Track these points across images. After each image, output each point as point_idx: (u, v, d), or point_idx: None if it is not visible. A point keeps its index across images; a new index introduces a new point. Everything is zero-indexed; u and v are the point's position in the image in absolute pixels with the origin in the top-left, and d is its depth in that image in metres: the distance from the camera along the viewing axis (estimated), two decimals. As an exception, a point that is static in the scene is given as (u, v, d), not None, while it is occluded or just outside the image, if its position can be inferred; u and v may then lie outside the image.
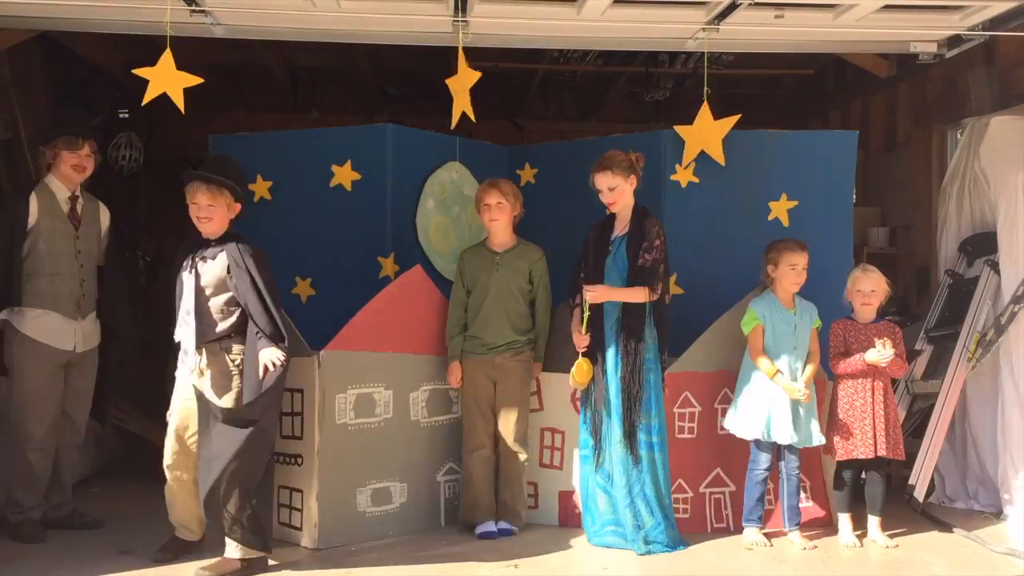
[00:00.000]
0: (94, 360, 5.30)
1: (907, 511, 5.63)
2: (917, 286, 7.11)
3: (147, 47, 5.37)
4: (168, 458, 4.61)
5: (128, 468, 6.51)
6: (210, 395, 4.51)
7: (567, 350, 5.24)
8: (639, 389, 4.96)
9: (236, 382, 4.57)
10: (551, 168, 6.22)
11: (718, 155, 5.58)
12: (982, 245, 5.94)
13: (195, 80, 4.65)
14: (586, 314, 5.00)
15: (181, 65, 4.68)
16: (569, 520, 5.37)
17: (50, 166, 5.15)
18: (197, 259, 4.65)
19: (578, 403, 5.26)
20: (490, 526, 5.25)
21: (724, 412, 5.34)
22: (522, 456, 5.32)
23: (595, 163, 5.09)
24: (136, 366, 7.99)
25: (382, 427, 5.16)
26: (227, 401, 4.54)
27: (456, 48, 5.12)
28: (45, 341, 5.04)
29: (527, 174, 6.29)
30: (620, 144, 5.32)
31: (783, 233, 5.55)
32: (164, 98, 4.71)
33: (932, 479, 5.72)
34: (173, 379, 4.72)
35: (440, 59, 5.23)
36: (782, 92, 9.27)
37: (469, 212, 5.94)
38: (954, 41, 5.57)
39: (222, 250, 4.61)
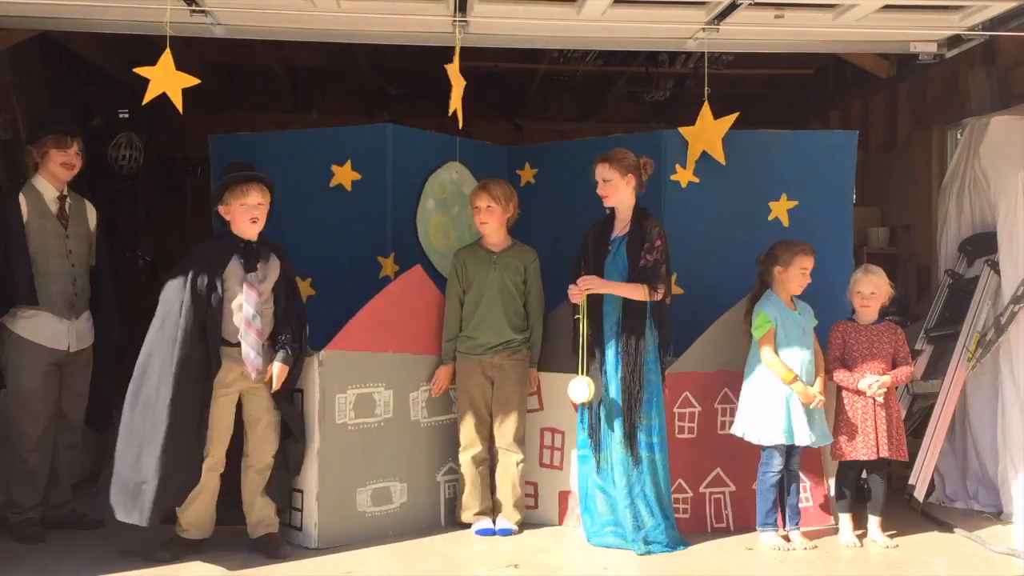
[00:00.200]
0: (89, 359, 5.29)
1: (907, 511, 5.63)
2: (917, 286, 7.12)
3: (147, 47, 5.37)
4: (213, 458, 4.71)
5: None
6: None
7: (565, 351, 5.24)
8: (640, 390, 4.96)
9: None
10: (551, 168, 6.22)
11: (718, 155, 5.58)
12: (982, 245, 5.94)
13: (193, 81, 4.66)
14: (578, 317, 4.99)
15: (181, 65, 4.68)
16: (569, 520, 5.37)
17: (37, 165, 5.13)
18: (247, 263, 4.73)
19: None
20: (488, 525, 5.26)
21: (724, 412, 5.34)
22: (519, 456, 5.33)
23: (598, 154, 5.10)
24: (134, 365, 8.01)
25: (382, 427, 5.17)
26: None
27: (457, 48, 5.12)
28: (38, 341, 5.03)
29: (527, 174, 6.29)
30: (620, 144, 5.31)
31: (783, 233, 5.55)
32: (164, 98, 4.71)
33: (932, 479, 5.72)
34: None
35: (440, 59, 5.22)
36: (782, 92, 9.27)
37: (469, 212, 5.92)
38: (954, 41, 5.57)
39: (271, 253, 4.80)
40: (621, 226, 5.12)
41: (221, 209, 4.79)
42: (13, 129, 6.19)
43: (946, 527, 5.41)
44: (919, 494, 5.64)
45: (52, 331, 5.07)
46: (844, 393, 5.11)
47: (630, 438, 4.96)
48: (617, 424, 4.98)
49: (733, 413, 5.32)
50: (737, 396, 5.30)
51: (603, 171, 5.06)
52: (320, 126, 7.38)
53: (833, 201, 5.81)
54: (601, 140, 6.09)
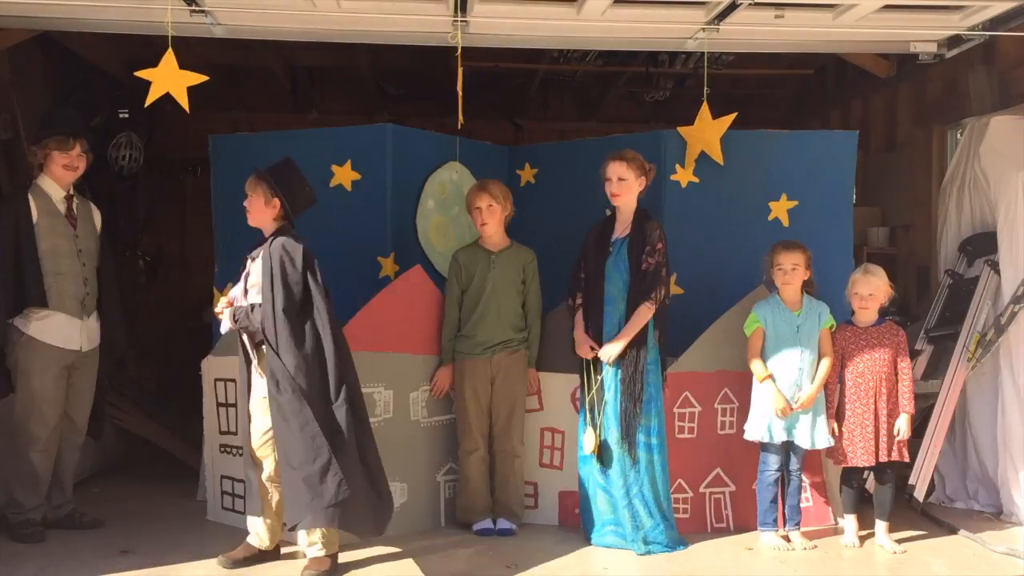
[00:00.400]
0: (95, 360, 5.30)
1: (907, 511, 5.64)
2: (917, 286, 7.11)
3: (147, 47, 5.38)
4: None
5: (128, 468, 6.52)
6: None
7: (564, 351, 5.25)
8: (640, 391, 4.96)
9: None
10: (551, 168, 6.22)
11: (717, 155, 5.58)
12: (982, 245, 5.94)
13: (200, 78, 4.65)
14: (598, 377, 5.02)
15: (182, 65, 4.68)
16: (569, 520, 5.37)
17: (41, 166, 5.13)
18: (248, 257, 4.68)
19: (578, 403, 5.26)
20: (488, 525, 5.26)
21: (724, 412, 5.35)
22: (519, 455, 5.33)
23: (610, 154, 5.09)
24: (136, 367, 8.02)
25: (382, 427, 5.16)
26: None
27: (457, 48, 5.12)
28: (51, 342, 5.04)
29: (527, 174, 6.29)
30: (620, 144, 5.33)
31: (783, 233, 5.55)
32: (164, 98, 4.71)
33: (932, 479, 5.72)
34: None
35: (440, 59, 5.23)
36: (782, 92, 9.26)
37: (469, 212, 5.94)
38: (954, 41, 5.57)
39: (267, 247, 4.62)
40: (622, 227, 5.12)
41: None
42: (13, 129, 6.19)
43: (946, 527, 5.41)
44: (919, 494, 5.65)
45: (65, 332, 5.08)
46: (845, 398, 5.10)
47: (628, 439, 4.96)
48: (615, 424, 4.98)
49: (733, 413, 5.33)
50: (737, 396, 5.31)
51: (619, 169, 5.05)
52: (320, 126, 7.38)
53: (833, 201, 5.81)
54: (601, 140, 6.09)
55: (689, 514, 5.30)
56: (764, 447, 5.09)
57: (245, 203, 4.66)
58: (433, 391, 5.35)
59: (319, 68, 8.73)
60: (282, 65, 8.34)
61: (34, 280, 4.98)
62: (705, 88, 5.59)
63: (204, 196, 6.74)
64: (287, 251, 4.48)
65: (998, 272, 5.64)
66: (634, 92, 8.90)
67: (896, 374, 5.08)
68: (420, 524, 5.31)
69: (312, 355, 4.40)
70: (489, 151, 6.38)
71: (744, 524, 5.31)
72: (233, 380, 5.19)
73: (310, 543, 4.52)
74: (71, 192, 5.21)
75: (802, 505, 5.24)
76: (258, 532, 4.68)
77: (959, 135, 6.63)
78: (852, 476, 5.16)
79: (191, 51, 6.90)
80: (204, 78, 4.63)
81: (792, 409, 4.97)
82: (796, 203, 5.75)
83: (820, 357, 5.07)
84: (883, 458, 5.02)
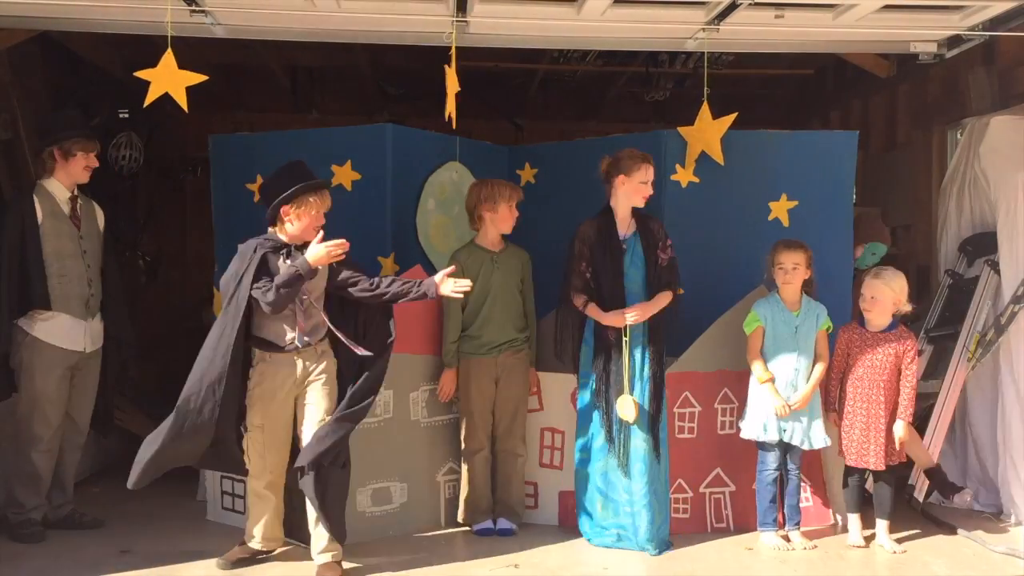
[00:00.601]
0: (99, 360, 5.31)
1: (907, 511, 5.63)
2: (917, 286, 7.11)
3: (147, 47, 5.37)
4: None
5: (128, 468, 6.50)
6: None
7: (560, 352, 5.25)
8: (663, 388, 5.02)
9: None
10: (551, 168, 6.21)
11: (717, 154, 5.58)
12: (982, 245, 5.94)
13: (198, 78, 4.65)
14: (626, 339, 4.97)
15: (182, 65, 4.67)
16: (569, 520, 5.37)
17: (52, 167, 5.12)
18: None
19: (577, 403, 5.25)
20: (489, 525, 5.26)
21: (724, 412, 5.35)
22: (521, 455, 5.33)
23: (644, 156, 5.07)
24: (136, 367, 8.01)
25: (382, 427, 5.16)
26: None
27: (456, 47, 5.12)
28: (56, 343, 5.04)
29: (527, 174, 6.29)
30: (620, 144, 5.32)
31: (783, 233, 5.55)
32: (164, 98, 4.70)
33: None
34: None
35: (440, 59, 5.22)
36: (782, 92, 9.27)
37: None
38: (954, 41, 5.57)
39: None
40: (625, 224, 5.11)
41: (286, 209, 4.54)
42: (13, 129, 6.19)
43: (946, 527, 5.41)
44: (919, 494, 5.65)
45: (69, 333, 5.08)
46: (846, 398, 5.10)
47: (655, 437, 4.97)
48: (643, 426, 4.97)
49: (733, 413, 5.34)
50: (737, 396, 5.31)
51: (651, 172, 5.10)
52: (320, 126, 7.37)
53: (833, 201, 5.80)
54: (601, 140, 6.08)
55: (689, 514, 5.30)
56: (761, 446, 5.10)
57: (320, 219, 4.58)
58: (440, 395, 5.35)
59: (319, 68, 8.73)
60: (282, 65, 8.34)
61: (39, 282, 4.98)
62: (705, 88, 5.59)
63: (204, 196, 6.73)
64: None
65: (998, 272, 5.65)
66: (634, 92, 8.90)
67: (899, 379, 5.06)
68: (420, 524, 5.31)
69: None
70: (489, 151, 6.38)
71: (744, 524, 5.31)
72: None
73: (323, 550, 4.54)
74: (75, 193, 5.21)
75: (802, 505, 5.24)
76: (256, 534, 4.69)
77: (959, 135, 6.63)
78: (853, 475, 5.16)
79: (191, 51, 6.88)
80: (203, 78, 4.62)
81: (790, 410, 4.97)
82: (796, 203, 5.75)
83: (816, 358, 5.07)
84: (877, 465, 5.01)
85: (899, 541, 5.13)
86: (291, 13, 5.25)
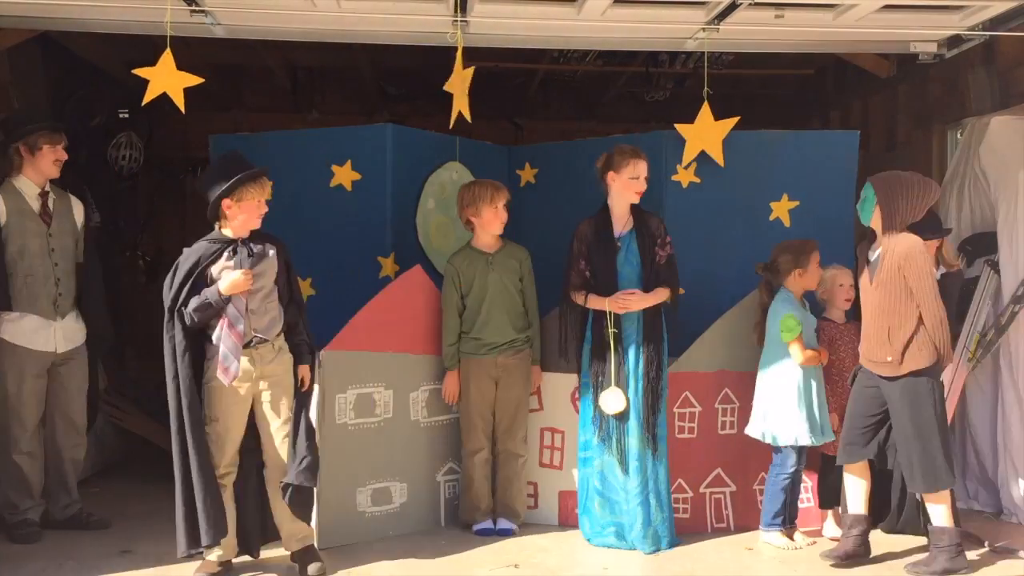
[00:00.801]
0: (83, 359, 5.26)
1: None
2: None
3: (147, 47, 5.37)
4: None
5: (128, 468, 6.52)
6: None
7: (565, 351, 5.25)
8: (661, 388, 5.01)
9: None
10: (551, 168, 6.22)
11: (718, 155, 5.58)
12: (982, 245, 5.93)
13: (195, 80, 4.65)
14: (614, 331, 4.98)
15: (181, 65, 4.67)
16: (569, 520, 5.37)
17: (20, 165, 5.06)
18: (246, 251, 4.55)
19: (578, 403, 5.26)
20: (489, 525, 5.26)
21: (724, 412, 5.34)
22: (522, 455, 5.33)
23: (633, 151, 5.07)
24: (136, 366, 8.01)
25: (382, 427, 5.16)
26: None
27: (456, 47, 5.12)
28: (24, 344, 5.00)
29: (527, 174, 6.29)
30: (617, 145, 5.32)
31: (784, 233, 5.56)
32: (164, 98, 4.71)
33: (932, 479, 5.71)
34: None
35: (440, 59, 5.23)
36: (782, 92, 9.26)
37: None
38: (954, 41, 5.57)
39: (277, 245, 4.68)
40: (622, 222, 5.11)
41: (227, 203, 4.45)
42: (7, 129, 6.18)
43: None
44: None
45: (37, 333, 5.03)
46: (828, 391, 5.11)
47: (653, 436, 4.96)
48: (638, 422, 4.97)
49: (733, 413, 5.33)
50: (737, 396, 5.30)
51: (645, 168, 5.09)
52: (320, 126, 7.37)
53: (834, 201, 5.80)
54: (601, 140, 6.09)
55: (689, 514, 5.30)
56: (782, 448, 5.02)
57: (263, 208, 4.52)
58: (445, 398, 5.34)
59: (319, 68, 8.73)
60: (282, 65, 8.33)
61: (1, 282, 4.93)
62: (705, 88, 5.59)
63: (204, 196, 6.73)
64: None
65: (998, 272, 5.64)
66: (634, 92, 8.89)
67: None
68: (420, 524, 5.31)
69: None
70: (489, 151, 6.38)
71: (744, 524, 5.31)
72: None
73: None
74: (47, 189, 5.15)
75: (803, 505, 5.24)
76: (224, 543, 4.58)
77: (959, 135, 6.63)
78: (829, 474, 5.17)
79: (191, 51, 6.90)
80: (199, 80, 4.62)
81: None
82: (797, 203, 5.76)
83: None
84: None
85: (899, 541, 5.13)
86: (291, 13, 5.25)
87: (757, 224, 5.70)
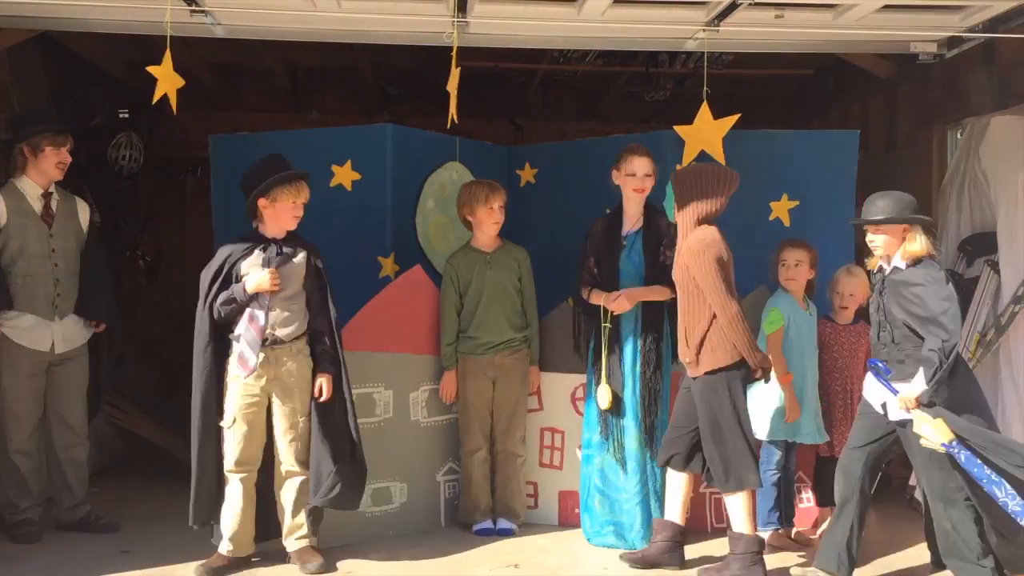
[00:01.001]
0: (83, 360, 5.26)
1: (907, 511, 5.63)
2: (917, 286, 7.10)
3: (147, 47, 5.37)
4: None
5: (128, 468, 6.52)
6: None
7: (565, 351, 5.25)
8: (659, 387, 5.00)
9: None
10: (551, 168, 6.21)
11: (718, 155, 5.57)
12: (982, 245, 5.93)
13: (181, 82, 4.66)
14: (606, 325, 4.99)
15: (182, 65, 4.67)
16: (569, 520, 5.37)
17: (23, 165, 5.07)
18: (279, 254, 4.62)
19: (579, 403, 5.26)
20: (488, 525, 5.26)
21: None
22: (521, 455, 5.33)
23: (633, 148, 5.10)
24: (136, 367, 8.01)
25: (382, 427, 5.17)
26: None
27: (456, 47, 5.11)
28: (21, 343, 5.00)
29: (527, 174, 6.29)
30: (620, 144, 5.32)
31: (785, 233, 5.55)
32: (164, 98, 4.71)
33: (932, 479, 5.71)
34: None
35: (440, 59, 5.23)
36: (782, 92, 9.26)
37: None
38: (954, 41, 5.57)
39: (310, 251, 4.71)
40: (632, 221, 5.12)
41: (262, 202, 4.55)
42: (13, 129, 6.18)
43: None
44: (919, 494, 5.63)
45: (35, 333, 5.03)
46: (819, 391, 5.11)
47: (650, 435, 4.96)
48: (635, 422, 4.97)
49: (733, 413, 5.33)
50: (737, 396, 5.30)
51: (647, 165, 5.08)
52: (320, 126, 7.37)
53: (834, 201, 5.80)
54: (601, 140, 6.09)
55: (689, 514, 5.28)
56: (767, 445, 5.06)
57: (299, 210, 4.59)
58: (443, 397, 5.35)
59: (319, 68, 8.73)
60: (282, 65, 8.33)
61: (0, 281, 4.93)
62: (705, 88, 5.58)
63: (204, 196, 6.74)
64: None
65: (998, 272, 5.64)
66: (634, 92, 8.89)
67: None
68: (420, 524, 5.31)
69: None
70: (489, 151, 6.38)
71: (744, 524, 5.30)
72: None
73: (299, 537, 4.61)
74: (51, 190, 5.15)
75: (802, 506, 5.24)
76: (226, 534, 4.63)
77: (959, 135, 6.62)
78: (824, 472, 5.17)
79: (191, 51, 6.90)
80: (183, 82, 4.63)
81: (799, 414, 4.96)
82: (797, 203, 5.75)
83: None
84: None
85: (900, 541, 5.13)
86: (291, 13, 5.25)
87: (757, 224, 5.70)
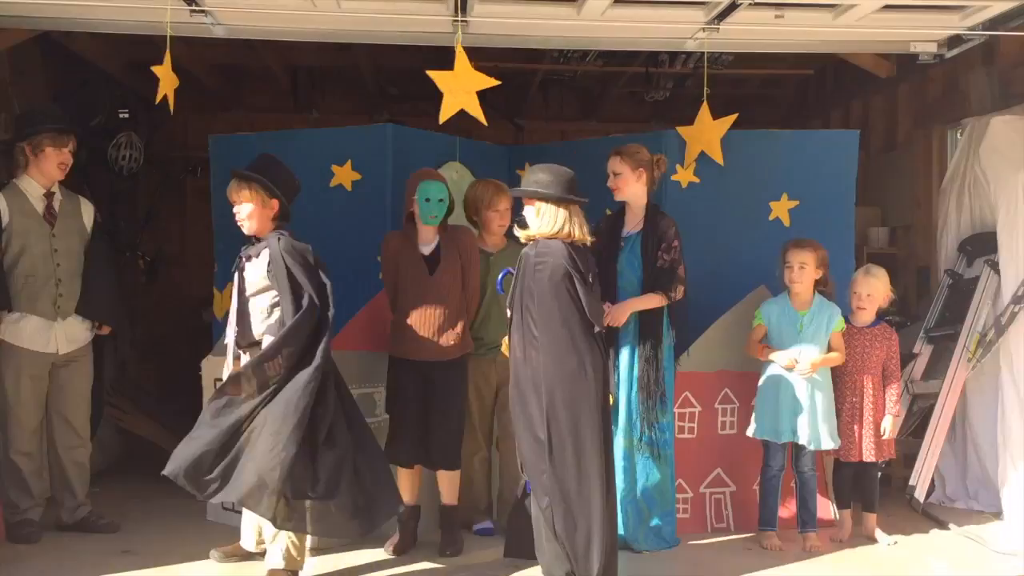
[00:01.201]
0: (86, 361, 5.24)
1: (907, 511, 5.64)
2: (917, 286, 7.11)
3: (147, 47, 5.37)
4: None
5: (128, 468, 6.52)
6: None
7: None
8: (656, 389, 4.97)
9: None
10: (551, 168, 6.20)
11: (717, 155, 5.57)
12: (982, 245, 5.94)
13: (177, 82, 4.66)
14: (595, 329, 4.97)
15: (182, 65, 4.68)
16: (569, 520, 5.36)
17: (25, 164, 5.05)
18: (242, 257, 4.52)
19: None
20: (488, 525, 5.26)
21: (724, 412, 5.36)
22: (521, 456, 5.33)
23: (616, 148, 5.13)
24: (136, 367, 8.02)
25: (382, 427, 5.16)
26: None
27: (457, 48, 5.11)
28: (23, 345, 4.99)
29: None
30: (620, 144, 5.31)
31: (784, 233, 5.55)
32: (165, 98, 4.71)
33: (932, 479, 5.72)
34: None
35: (441, 59, 5.23)
36: (782, 92, 9.26)
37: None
38: (954, 41, 5.56)
39: (275, 247, 4.38)
40: (633, 222, 5.11)
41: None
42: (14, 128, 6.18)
43: (946, 527, 5.41)
44: (919, 494, 5.65)
45: (37, 334, 5.01)
46: (835, 393, 5.10)
47: (648, 437, 4.95)
48: (627, 424, 4.96)
49: (733, 413, 5.34)
50: (737, 396, 5.32)
51: (614, 164, 5.09)
52: (320, 126, 7.37)
53: (834, 201, 5.80)
54: (601, 140, 6.09)
55: (689, 514, 5.30)
56: (768, 445, 5.07)
57: (237, 210, 4.42)
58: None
59: (319, 68, 8.73)
60: (282, 65, 8.33)
61: (1, 282, 4.91)
62: (705, 88, 5.58)
63: (204, 196, 6.73)
64: (298, 251, 4.34)
65: (998, 272, 5.65)
66: (634, 92, 8.89)
67: (884, 375, 5.13)
68: (420, 524, 5.29)
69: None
70: (489, 151, 6.38)
71: (744, 524, 5.31)
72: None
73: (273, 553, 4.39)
74: (53, 189, 5.13)
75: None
76: (247, 534, 4.66)
77: (959, 135, 6.63)
78: (841, 470, 5.17)
79: (191, 51, 6.90)
80: (176, 83, 4.63)
81: (796, 363, 4.95)
82: (797, 203, 5.75)
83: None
84: (868, 457, 5.05)
85: (900, 541, 5.13)
86: (291, 13, 5.25)
87: (757, 224, 5.70)
